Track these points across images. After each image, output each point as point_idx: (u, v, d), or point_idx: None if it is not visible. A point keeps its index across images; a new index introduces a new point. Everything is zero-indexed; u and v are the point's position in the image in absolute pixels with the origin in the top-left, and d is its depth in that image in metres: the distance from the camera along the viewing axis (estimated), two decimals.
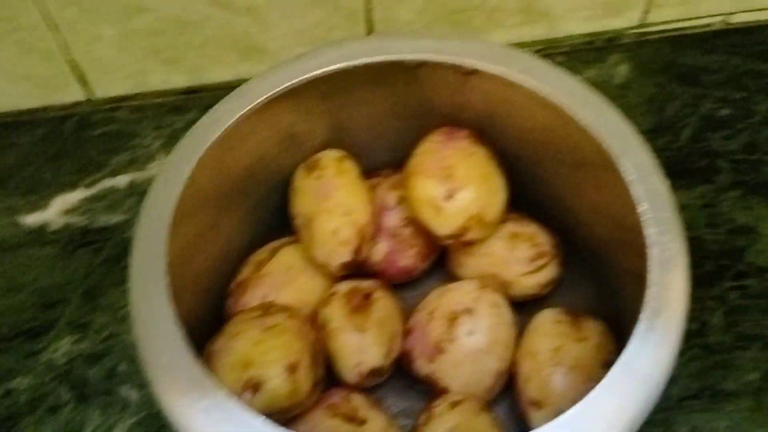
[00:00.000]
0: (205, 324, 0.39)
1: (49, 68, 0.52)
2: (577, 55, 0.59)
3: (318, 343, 0.39)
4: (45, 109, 0.56)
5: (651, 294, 0.30)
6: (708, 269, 0.48)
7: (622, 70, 0.58)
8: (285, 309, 0.39)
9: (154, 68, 0.54)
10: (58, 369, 0.45)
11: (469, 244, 0.41)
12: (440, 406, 0.38)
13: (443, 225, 0.39)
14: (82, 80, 0.54)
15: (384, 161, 0.45)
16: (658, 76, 0.57)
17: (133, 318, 0.32)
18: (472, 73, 0.38)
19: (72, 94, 0.55)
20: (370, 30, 0.54)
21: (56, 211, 0.51)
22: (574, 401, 0.37)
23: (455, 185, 0.39)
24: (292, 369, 0.36)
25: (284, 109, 0.38)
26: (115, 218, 0.51)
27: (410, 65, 0.38)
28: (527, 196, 0.44)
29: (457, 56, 0.38)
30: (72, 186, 0.52)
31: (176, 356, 0.30)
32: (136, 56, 0.53)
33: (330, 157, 0.41)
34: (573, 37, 0.59)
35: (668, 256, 0.31)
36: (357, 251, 0.40)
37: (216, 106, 0.37)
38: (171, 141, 0.54)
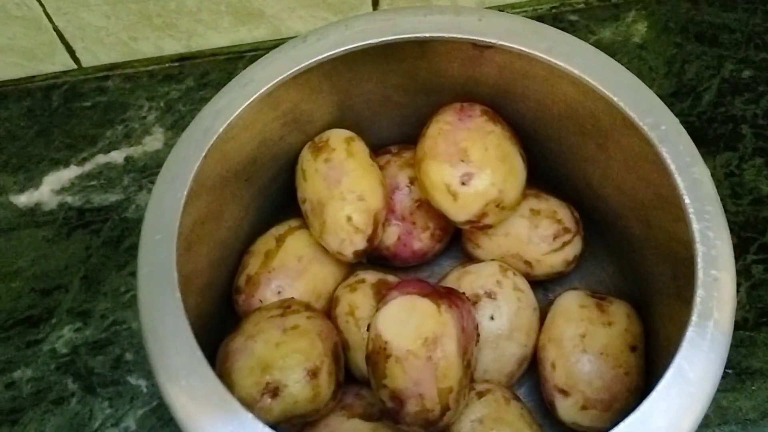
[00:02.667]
0: (213, 318, 0.37)
1: (33, 37, 0.49)
2: (592, 12, 0.56)
3: (339, 345, 0.37)
4: (30, 79, 0.52)
5: (701, 296, 0.28)
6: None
7: (640, 29, 0.55)
8: (305, 307, 0.37)
9: (146, 34, 0.51)
10: (62, 359, 0.43)
11: (488, 227, 0.39)
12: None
13: (460, 211, 0.37)
14: (69, 48, 0.51)
15: (392, 137, 0.42)
16: (676, 35, 0.55)
17: (143, 325, 0.30)
18: (487, 47, 0.35)
19: (59, 63, 0.52)
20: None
21: (49, 189, 0.49)
22: (601, 389, 0.37)
23: (471, 169, 0.37)
24: (313, 374, 0.34)
25: (288, 91, 0.36)
26: (112, 197, 0.48)
27: (420, 41, 0.35)
28: (544, 172, 0.42)
29: (470, 33, 0.35)
30: (64, 163, 0.50)
31: (189, 363, 0.29)
32: (125, 22, 0.49)
33: (338, 138, 0.39)
34: None
35: (716, 254, 0.29)
36: (371, 238, 0.38)
37: (219, 95, 0.34)
38: (167, 112, 0.51)
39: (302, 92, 0.37)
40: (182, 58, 0.53)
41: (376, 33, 0.35)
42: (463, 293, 0.36)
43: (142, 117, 0.51)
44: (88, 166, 0.50)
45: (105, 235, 0.47)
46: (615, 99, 0.34)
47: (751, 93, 0.52)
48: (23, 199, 0.48)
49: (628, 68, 0.52)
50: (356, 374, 0.38)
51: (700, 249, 0.30)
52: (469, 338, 0.35)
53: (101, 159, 0.50)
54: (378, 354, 0.34)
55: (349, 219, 0.37)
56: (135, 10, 0.48)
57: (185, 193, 0.32)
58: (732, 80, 0.52)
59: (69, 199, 0.48)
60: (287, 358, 0.34)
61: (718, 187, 0.47)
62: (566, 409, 0.37)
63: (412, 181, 0.40)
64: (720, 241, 0.30)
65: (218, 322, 0.39)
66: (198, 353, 0.29)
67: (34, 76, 0.52)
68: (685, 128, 0.50)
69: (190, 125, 0.33)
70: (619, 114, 0.34)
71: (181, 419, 0.28)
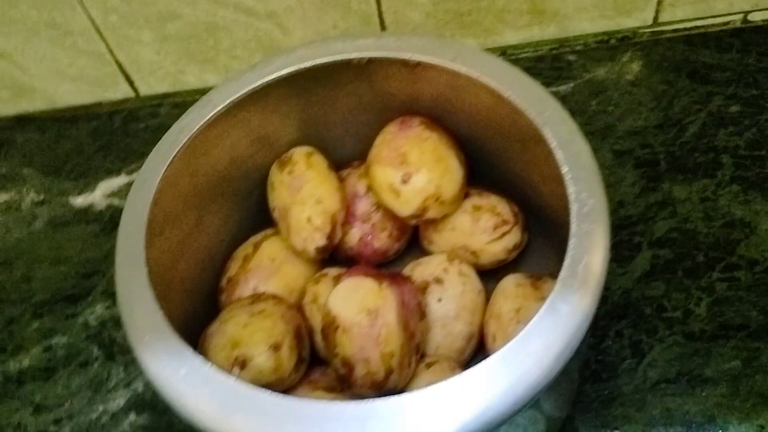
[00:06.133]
0: (198, 320, 0.43)
1: (99, 68, 0.59)
2: (590, 53, 0.60)
3: (303, 327, 0.43)
4: (98, 104, 0.63)
5: (572, 244, 0.32)
6: (699, 260, 0.48)
7: (633, 68, 0.59)
8: (273, 297, 0.43)
9: (190, 68, 0.60)
10: (92, 330, 0.51)
11: (432, 221, 0.44)
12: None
13: (404, 207, 0.43)
14: (129, 79, 0.61)
15: (354, 154, 0.48)
16: (669, 73, 0.58)
17: (118, 299, 0.36)
18: (417, 65, 0.41)
19: (121, 91, 0.62)
20: (383, 31, 0.58)
21: (101, 193, 0.58)
22: None
23: (410, 169, 0.42)
24: (275, 348, 0.40)
25: (251, 111, 0.42)
26: None
27: (360, 63, 0.42)
28: (486, 172, 0.46)
29: (399, 51, 0.41)
30: (116, 172, 0.59)
31: (157, 332, 0.34)
32: (173, 58, 0.59)
33: (300, 153, 0.45)
34: (585, 36, 0.60)
35: (587, 210, 0.33)
36: (330, 236, 0.44)
37: (182, 116, 0.41)
38: None
39: (263, 113, 0.43)
40: None
41: (311, 57, 0.42)
42: (406, 276, 0.41)
43: None
44: (135, 175, 0.59)
45: None
46: (508, 95, 0.38)
47: (737, 126, 0.54)
48: (79, 201, 0.58)
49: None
50: (321, 355, 0.44)
51: (574, 207, 0.33)
52: (410, 312, 0.39)
53: None
54: (329, 327, 0.39)
55: (309, 220, 0.43)
56: (180, 48, 0.58)
57: (152, 196, 0.38)
58: (718, 114, 0.55)
59: (116, 201, 0.58)
60: (253, 335, 0.40)
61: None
62: None
63: (369, 188, 0.46)
64: (593, 199, 0.34)
65: (208, 319, 0.44)
66: (160, 314, 0.34)
67: (101, 102, 0.63)
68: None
69: (159, 141, 0.40)
70: (515, 108, 0.38)
71: (143, 363, 0.33)
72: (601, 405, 0.44)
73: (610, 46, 0.61)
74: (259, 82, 0.42)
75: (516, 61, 0.60)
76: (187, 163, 0.40)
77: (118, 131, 0.62)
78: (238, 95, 0.41)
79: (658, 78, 0.58)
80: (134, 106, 0.63)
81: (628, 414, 0.43)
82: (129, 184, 0.58)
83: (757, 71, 0.57)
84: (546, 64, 0.60)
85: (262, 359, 0.39)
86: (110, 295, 0.53)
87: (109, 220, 0.57)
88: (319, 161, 0.45)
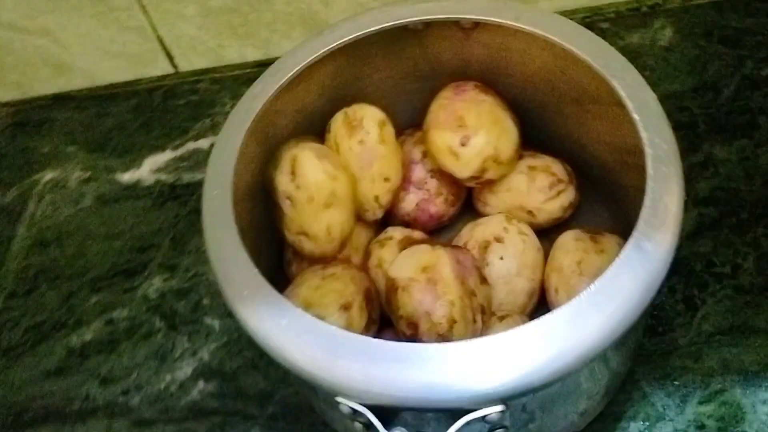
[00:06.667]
0: (268, 266, 0.44)
1: (140, 44, 0.60)
2: (622, 20, 0.62)
3: (372, 289, 0.44)
4: (137, 81, 0.63)
5: (650, 186, 0.34)
6: (743, 217, 0.50)
7: (666, 34, 0.60)
8: (342, 261, 0.45)
9: (231, 43, 0.61)
10: (152, 302, 0.52)
11: (491, 182, 0.46)
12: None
13: (464, 168, 0.44)
14: (169, 55, 0.61)
15: (406, 122, 0.49)
16: (701, 39, 0.60)
17: (210, 258, 0.37)
18: (474, 27, 0.42)
19: (160, 67, 0.62)
20: None
21: (148, 169, 0.59)
22: None
23: (468, 132, 0.44)
24: (346, 307, 0.41)
25: (316, 77, 0.44)
26: (198, 176, 0.58)
27: (416, 28, 0.43)
28: (539, 135, 0.48)
29: (457, 13, 0.42)
30: (161, 148, 0.60)
31: (254, 287, 0.35)
32: (214, 32, 0.59)
33: (372, 120, 0.45)
34: (618, 4, 0.62)
35: (662, 154, 0.35)
36: (389, 209, 0.46)
37: (253, 85, 0.43)
38: None
39: (326, 78, 0.44)
40: (261, 64, 0.63)
41: (374, 23, 0.43)
42: (461, 246, 0.43)
43: (226, 112, 0.61)
44: (180, 151, 0.59)
45: (191, 206, 0.56)
46: (574, 50, 0.40)
47: None
48: (126, 177, 0.59)
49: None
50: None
51: (648, 152, 0.35)
52: (467, 270, 0.41)
53: (191, 145, 0.59)
54: (390, 290, 0.41)
55: (377, 198, 0.45)
56: (222, 21, 0.58)
57: (234, 161, 0.39)
58: (751, 77, 0.57)
59: (164, 177, 0.58)
60: (325, 297, 0.41)
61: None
62: None
63: (425, 154, 0.47)
64: (666, 144, 0.35)
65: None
66: (255, 271, 0.35)
67: (140, 79, 0.63)
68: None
69: (233, 110, 0.42)
70: (579, 63, 0.40)
71: (243, 319, 0.35)
72: (660, 357, 0.46)
73: (642, 13, 0.62)
74: (323, 50, 0.43)
75: None
76: (261, 128, 0.41)
77: (159, 108, 0.62)
78: (308, 60, 0.42)
79: (691, 43, 0.60)
80: (173, 83, 0.63)
81: (686, 365, 0.45)
82: (175, 159, 0.59)
83: None
84: None
85: (333, 319, 0.40)
86: (167, 267, 0.54)
87: (158, 194, 0.57)
88: (390, 134, 0.46)
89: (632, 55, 0.59)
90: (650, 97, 0.37)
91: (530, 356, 0.30)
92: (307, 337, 0.33)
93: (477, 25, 0.43)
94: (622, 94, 0.37)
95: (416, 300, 0.39)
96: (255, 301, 0.34)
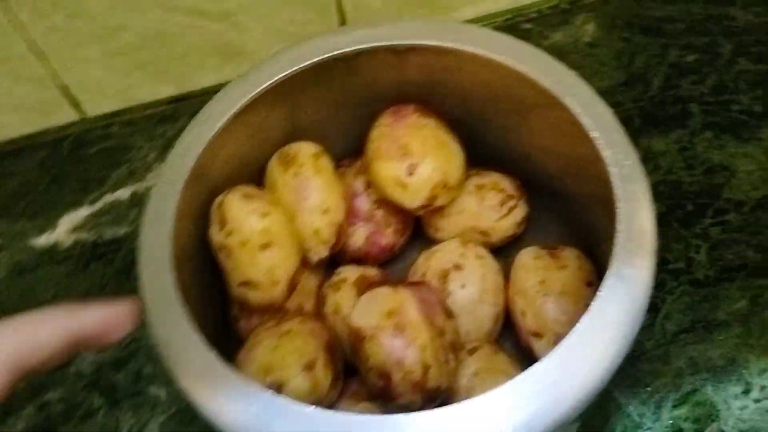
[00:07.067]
0: (212, 326, 0.41)
1: (41, 94, 0.55)
2: (545, 19, 0.61)
3: (333, 339, 0.41)
4: (42, 133, 0.58)
5: (621, 208, 0.32)
6: (689, 209, 0.50)
7: (589, 29, 0.60)
8: (297, 313, 0.41)
9: (141, 82, 0.56)
10: (87, 378, 0.48)
11: (441, 209, 0.44)
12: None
13: (413, 199, 0.42)
14: (74, 102, 0.56)
15: (344, 150, 0.47)
16: (623, 31, 0.59)
17: (149, 323, 0.34)
18: (408, 50, 0.40)
19: (65, 116, 0.57)
20: (342, 20, 0.56)
21: (65, 230, 0.54)
22: (568, 323, 0.40)
23: (414, 160, 0.41)
24: (309, 367, 0.38)
25: (243, 125, 0.41)
26: (121, 230, 0.53)
27: (348, 56, 0.40)
28: (483, 150, 0.46)
29: (389, 39, 0.40)
30: (77, 204, 0.55)
31: (197, 354, 0.32)
32: (122, 72, 0.55)
33: (306, 153, 0.43)
34: (538, 3, 0.61)
35: (627, 171, 0.33)
36: (334, 246, 0.42)
37: (180, 139, 0.39)
38: (165, 150, 0.56)
39: (251, 127, 0.41)
40: (176, 99, 0.58)
41: (302, 59, 0.40)
42: (421, 281, 0.41)
43: (143, 156, 0.56)
44: (98, 205, 0.55)
45: (118, 265, 0.52)
46: (517, 66, 0.38)
47: (697, 74, 0.56)
48: (42, 241, 0.53)
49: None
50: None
51: (613, 171, 0.34)
52: (432, 307, 0.38)
53: (109, 197, 0.55)
54: (356, 341, 0.38)
55: (317, 232, 0.41)
56: (130, 60, 0.54)
57: (171, 226, 0.36)
58: (677, 65, 0.57)
59: (83, 236, 0.53)
60: (284, 358, 0.38)
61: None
62: (542, 348, 0.40)
63: (368, 185, 0.45)
64: (629, 160, 0.34)
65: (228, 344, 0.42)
66: (212, 354, 0.32)
67: (45, 130, 0.58)
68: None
69: (162, 167, 0.38)
70: (524, 80, 0.38)
71: (209, 411, 0.31)
72: (629, 364, 0.45)
73: (562, 10, 0.61)
74: (249, 96, 0.40)
75: None
76: (195, 183, 0.38)
77: (69, 159, 0.57)
78: (229, 115, 0.39)
79: (614, 36, 0.59)
80: (82, 130, 0.58)
81: (656, 369, 0.45)
82: (94, 215, 0.54)
83: (705, 19, 0.59)
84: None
85: (297, 381, 0.38)
86: None
87: (80, 256, 0.53)
88: (326, 165, 0.43)
89: (559, 54, 0.58)
90: (604, 110, 0.36)
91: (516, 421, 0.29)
92: (266, 417, 0.30)
93: (411, 47, 0.40)
94: (577, 111, 0.35)
95: (385, 349, 0.36)
96: (207, 380, 0.31)
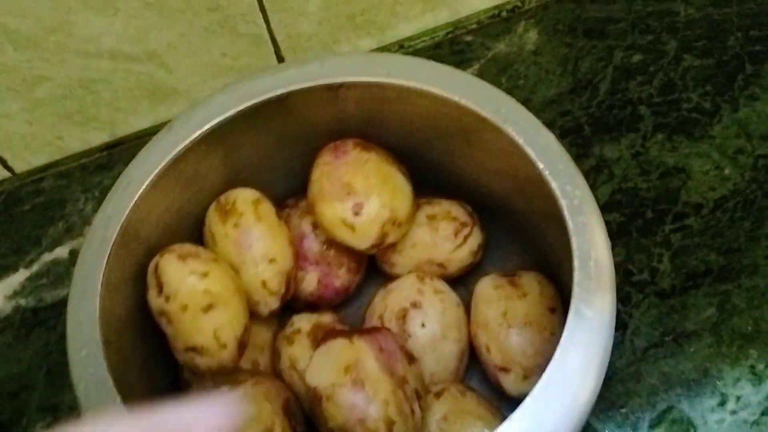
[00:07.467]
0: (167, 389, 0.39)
1: None
2: (486, 30, 0.59)
3: (290, 399, 0.39)
4: None
5: (575, 242, 0.31)
6: (648, 217, 0.49)
7: (531, 37, 0.58)
8: (251, 374, 0.39)
9: (70, 132, 0.53)
10: None
11: (393, 245, 0.42)
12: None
13: (362, 239, 0.40)
14: (0, 159, 0.53)
15: (287, 189, 0.45)
16: (566, 36, 0.58)
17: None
18: (340, 87, 0.38)
19: None
20: (276, 49, 0.54)
21: (2, 296, 0.51)
22: (535, 354, 0.39)
23: (359, 199, 0.39)
24: None
25: (174, 181, 0.39)
26: (63, 291, 0.50)
27: (282, 97, 0.38)
28: (431, 176, 0.44)
29: (322, 77, 0.38)
30: (13, 268, 0.52)
31: None
32: (47, 124, 0.52)
33: (245, 200, 0.40)
34: (478, 14, 0.59)
35: (577, 203, 0.32)
36: (284, 296, 0.40)
37: (104, 204, 0.37)
38: (102, 200, 0.53)
39: (184, 179, 0.39)
40: (110, 146, 0.55)
41: (234, 102, 0.38)
42: (377, 326, 0.39)
43: (80, 210, 0.53)
44: (36, 267, 0.51)
45: (61, 329, 0.49)
46: (456, 98, 0.37)
47: (644, 75, 0.55)
48: None
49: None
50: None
51: (563, 203, 0.32)
52: (392, 355, 0.37)
53: (47, 257, 0.52)
54: (313, 401, 0.36)
55: (264, 284, 0.39)
56: (56, 111, 0.51)
57: (97, 302, 0.34)
58: (623, 66, 0.56)
59: (22, 301, 0.50)
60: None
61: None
62: (510, 383, 0.39)
63: (315, 225, 0.43)
64: (579, 190, 0.33)
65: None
66: None
67: None
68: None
69: (89, 234, 0.36)
70: (464, 109, 0.37)
71: None
72: (602, 386, 0.43)
73: (503, 18, 0.60)
74: (179, 147, 0.37)
75: (415, 52, 0.58)
76: (127, 245, 0.36)
77: (1, 219, 0.54)
78: (158, 169, 0.37)
79: (557, 42, 0.58)
80: (12, 187, 0.55)
81: (629, 389, 0.43)
82: (32, 278, 0.51)
83: (647, 16, 0.58)
84: (445, 49, 0.59)
85: None
86: (48, 409, 0.46)
87: (20, 324, 0.49)
88: (267, 210, 0.41)
89: (502, 65, 0.58)
90: (549, 139, 0.34)
91: None
92: None
93: (346, 83, 0.38)
94: (520, 141, 0.34)
95: (345, 408, 0.34)
96: None
